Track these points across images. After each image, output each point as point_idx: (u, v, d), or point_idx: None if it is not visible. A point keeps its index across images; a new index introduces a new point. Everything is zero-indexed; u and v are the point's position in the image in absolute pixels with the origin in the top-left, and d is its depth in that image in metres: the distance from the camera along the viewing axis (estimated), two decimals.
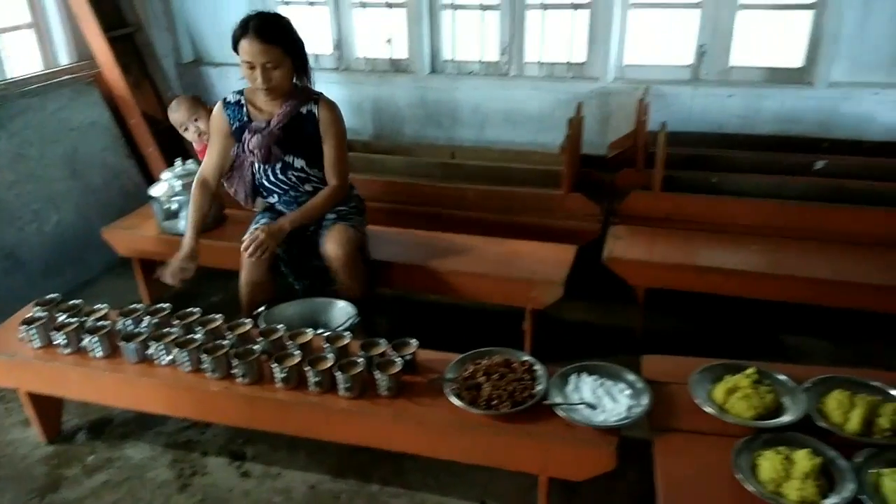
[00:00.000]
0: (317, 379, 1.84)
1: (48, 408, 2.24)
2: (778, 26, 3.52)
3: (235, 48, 2.25)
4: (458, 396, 1.79)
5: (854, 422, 1.62)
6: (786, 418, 1.66)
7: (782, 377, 1.80)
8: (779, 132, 3.43)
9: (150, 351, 1.97)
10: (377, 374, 1.82)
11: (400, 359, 1.87)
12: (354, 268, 2.42)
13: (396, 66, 4.06)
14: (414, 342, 1.95)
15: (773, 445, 1.57)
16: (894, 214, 2.71)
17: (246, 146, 2.38)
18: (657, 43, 3.66)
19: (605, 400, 1.77)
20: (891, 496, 1.41)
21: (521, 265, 2.56)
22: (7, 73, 3.44)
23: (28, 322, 2.07)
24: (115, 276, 3.26)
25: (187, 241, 2.40)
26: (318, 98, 2.38)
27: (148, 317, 2.07)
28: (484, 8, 3.77)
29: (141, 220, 2.97)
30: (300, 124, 2.36)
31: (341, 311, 2.36)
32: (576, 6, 3.61)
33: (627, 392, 1.80)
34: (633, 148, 3.22)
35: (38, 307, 2.16)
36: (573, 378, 1.86)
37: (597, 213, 2.93)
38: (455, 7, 3.84)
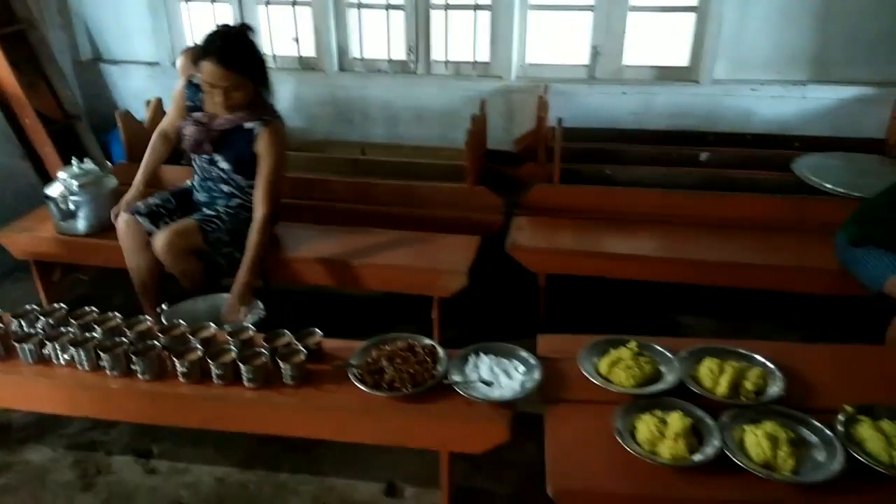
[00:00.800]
0: (220, 371, 1.86)
1: None
2: (665, 28, 3.76)
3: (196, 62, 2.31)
4: (362, 381, 1.85)
5: (722, 386, 1.79)
6: (662, 385, 1.81)
7: (660, 349, 1.95)
8: (668, 127, 3.67)
9: (47, 351, 1.93)
10: (282, 364, 1.86)
11: (304, 348, 1.92)
12: (179, 263, 2.44)
13: (305, 64, 4.08)
14: (318, 332, 2.00)
15: (650, 409, 1.71)
16: (772, 200, 2.96)
17: (184, 129, 2.45)
18: (555, 43, 3.84)
19: (502, 377, 1.88)
20: (752, 449, 1.57)
21: (428, 256, 2.66)
22: None
23: None
24: (11, 282, 3.13)
25: (137, 181, 2.59)
26: (267, 121, 2.40)
27: (43, 318, 2.03)
28: (389, 7, 3.85)
29: (37, 222, 2.87)
30: (239, 136, 2.42)
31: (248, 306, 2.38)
32: (477, 7, 3.74)
33: (522, 369, 1.91)
34: (535, 143, 3.38)
35: None
36: (472, 358, 1.96)
37: (500, 205, 3.06)
38: (361, 6, 3.90)
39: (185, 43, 4.13)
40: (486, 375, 1.89)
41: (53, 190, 2.68)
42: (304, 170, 3.43)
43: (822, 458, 1.55)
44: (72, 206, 2.66)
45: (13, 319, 2.03)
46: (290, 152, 3.59)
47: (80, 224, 2.66)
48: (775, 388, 1.78)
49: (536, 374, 1.86)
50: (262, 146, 2.40)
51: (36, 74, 3.68)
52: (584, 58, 3.79)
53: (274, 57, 4.08)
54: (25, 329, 2.00)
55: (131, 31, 4.13)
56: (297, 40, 4.03)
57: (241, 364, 1.85)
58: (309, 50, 4.04)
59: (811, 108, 3.57)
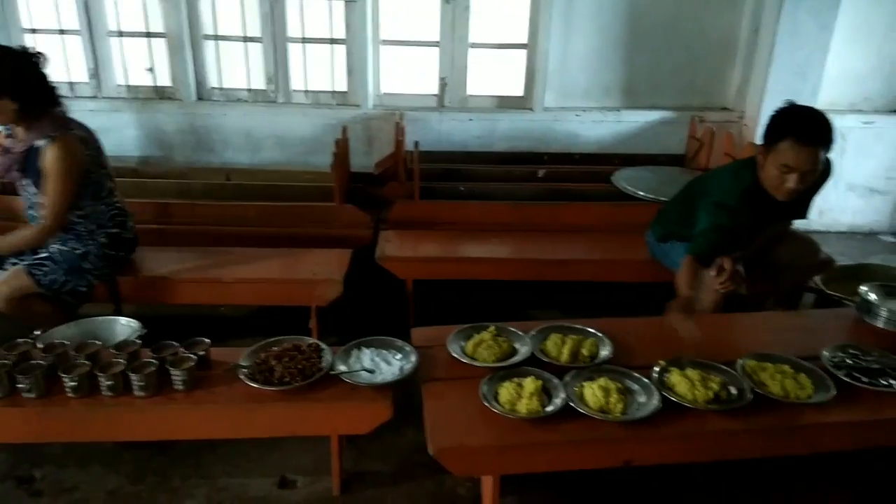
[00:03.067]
0: (110, 382, 1.92)
1: None
2: (503, 62, 4.25)
3: None
4: (253, 379, 2.00)
5: (565, 354, 2.14)
6: (517, 358, 2.14)
7: (515, 330, 2.29)
8: (509, 149, 4.14)
9: None
10: (172, 371, 1.96)
11: (193, 354, 2.03)
12: (15, 310, 2.45)
13: (161, 94, 4.10)
14: (205, 340, 2.12)
15: (509, 378, 2.02)
16: (597, 207, 3.47)
17: None
18: (408, 75, 4.20)
19: (382, 365, 2.11)
20: (590, 399, 1.92)
21: (304, 269, 2.85)
22: None
23: None
24: None
25: None
26: (53, 136, 2.39)
27: None
28: (246, 39, 4.00)
29: None
30: (34, 156, 2.42)
31: (124, 326, 2.42)
32: (333, 41, 4.01)
33: (399, 357, 2.16)
34: (395, 165, 3.68)
35: None
36: (354, 352, 2.17)
37: (367, 221, 3.32)
38: (218, 38, 4.02)
39: None
40: (367, 364, 2.11)
41: None
42: (170, 196, 3.47)
43: (644, 401, 1.94)
44: None
45: None
46: (153, 179, 3.64)
47: None
48: (606, 352, 2.16)
49: (413, 358, 2.11)
50: (47, 162, 2.39)
51: None
52: (433, 88, 4.18)
53: (127, 87, 4.07)
54: None
55: None
56: (151, 70, 4.05)
57: (130, 374, 1.92)
58: (165, 80, 4.07)
59: (625, 130, 4.20)
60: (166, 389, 1.97)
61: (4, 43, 3.85)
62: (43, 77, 2.41)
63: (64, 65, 4.02)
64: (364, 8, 3.88)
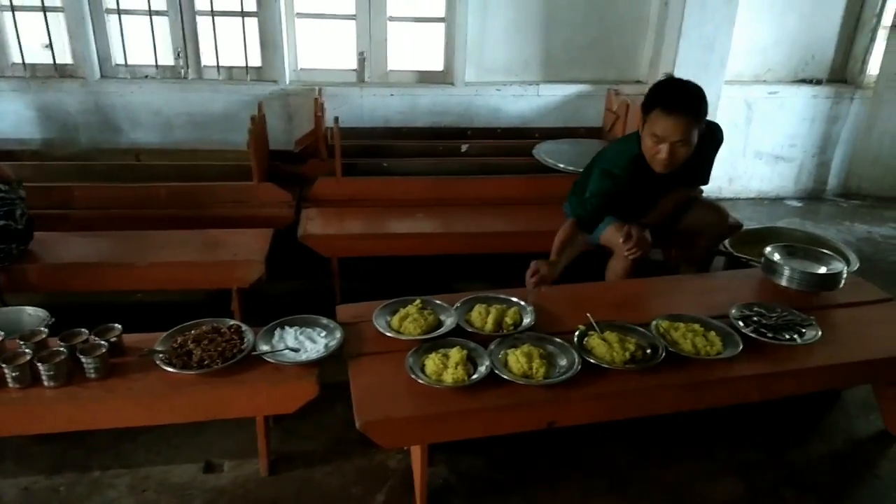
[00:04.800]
0: (15, 374, 1.82)
1: None
2: (423, 36, 4.22)
3: None
4: (170, 364, 1.94)
5: (489, 323, 2.18)
6: (443, 329, 2.16)
7: (440, 303, 2.31)
8: (432, 124, 4.13)
9: None
10: (83, 359, 1.88)
11: (105, 342, 1.95)
12: None
13: (62, 72, 3.86)
14: (117, 326, 2.03)
15: (435, 350, 2.04)
16: (519, 180, 3.52)
17: None
18: (326, 49, 4.11)
19: (307, 343, 2.08)
20: (514, 365, 1.96)
21: (224, 250, 2.76)
22: None
23: None
24: None
25: None
26: None
27: None
28: (152, 13, 3.80)
29: None
30: None
31: (33, 316, 2.29)
32: (244, 14, 3.86)
33: (324, 334, 2.14)
34: (315, 142, 3.61)
35: None
36: (277, 331, 2.14)
37: (289, 199, 3.25)
38: (121, 12, 3.80)
39: None
40: (291, 343, 2.08)
41: None
42: (73, 179, 3.28)
43: (565, 364, 2.00)
44: None
45: None
46: (53, 162, 3.43)
47: None
48: (528, 320, 2.22)
49: (338, 335, 2.10)
50: None
51: None
52: (352, 63, 4.10)
53: (23, 65, 3.80)
54: None
55: None
56: (50, 47, 3.79)
57: (38, 363, 1.83)
58: (65, 57, 3.82)
59: (544, 104, 4.26)
60: (78, 378, 1.89)
61: None
62: None
63: None
64: None
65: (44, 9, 3.70)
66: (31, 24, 3.77)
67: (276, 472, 2.10)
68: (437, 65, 4.23)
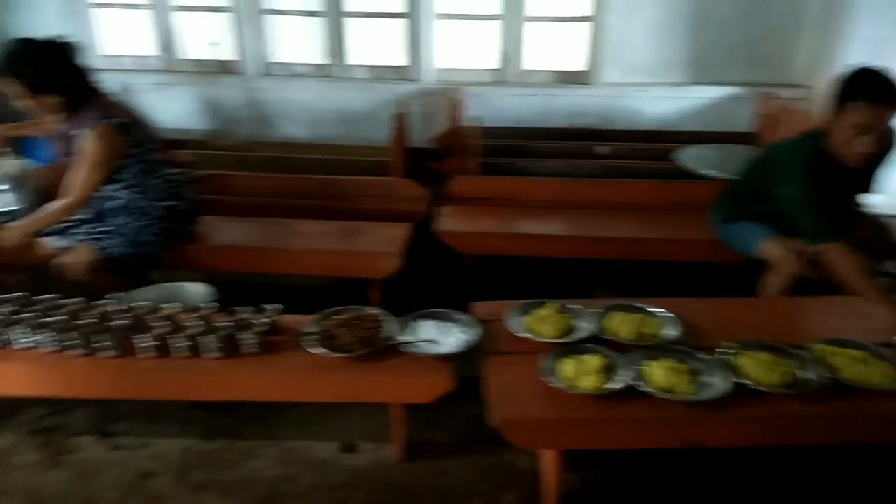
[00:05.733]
0: (184, 344, 2.00)
1: None
2: (563, 36, 4.17)
3: None
4: (318, 346, 2.05)
5: (628, 332, 2.12)
6: (580, 334, 2.13)
7: (576, 307, 2.27)
8: (569, 125, 4.07)
9: (10, 335, 1.99)
10: (243, 335, 2.02)
11: (264, 320, 2.09)
12: (88, 280, 2.55)
13: (225, 68, 4.18)
14: (274, 306, 2.18)
15: (571, 355, 2.02)
16: (659, 185, 3.39)
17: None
18: (468, 49, 4.17)
19: (443, 337, 2.13)
20: (654, 379, 1.90)
21: (364, 241, 2.89)
22: None
23: None
24: None
25: None
26: (91, 126, 2.45)
27: (3, 304, 2.08)
28: (307, 14, 4.03)
29: None
30: (73, 143, 2.51)
31: (198, 293, 2.51)
32: (393, 15, 4.00)
33: (460, 329, 2.17)
34: (453, 140, 3.67)
35: None
36: (415, 323, 2.19)
37: (426, 195, 3.33)
38: (279, 12, 4.06)
39: (99, 51, 4.12)
40: (429, 336, 2.14)
41: None
42: (231, 168, 3.55)
43: (710, 382, 1.91)
44: None
45: None
46: (214, 151, 3.73)
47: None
48: (672, 332, 2.13)
49: (475, 331, 2.12)
50: (82, 148, 2.47)
51: None
52: (492, 63, 4.13)
53: (193, 61, 4.16)
54: None
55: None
56: (215, 45, 4.13)
57: (205, 336, 1.99)
58: (228, 55, 4.14)
59: (688, 106, 4.08)
60: (237, 353, 2.04)
61: (72, 16, 4.02)
62: (79, 67, 2.47)
63: (132, 39, 4.14)
64: None
65: (212, 9, 4.03)
66: (201, 23, 4.12)
67: (409, 458, 2.16)
68: (576, 64, 4.16)
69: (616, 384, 1.88)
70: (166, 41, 4.11)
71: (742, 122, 3.96)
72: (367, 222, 3.05)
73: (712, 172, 3.36)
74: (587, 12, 4.00)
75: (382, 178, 3.38)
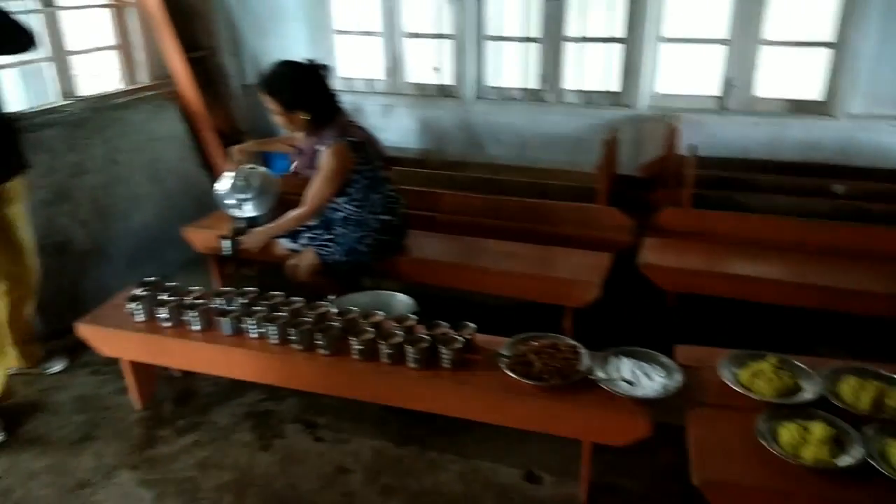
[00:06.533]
0: (389, 351, 2.11)
1: (144, 377, 2.54)
2: (799, 61, 3.79)
3: None
4: (512, 370, 2.05)
5: (865, 402, 1.84)
6: (805, 396, 1.89)
7: (800, 365, 2.03)
8: (801, 159, 3.68)
9: (243, 325, 2.26)
10: (442, 349, 2.09)
11: (461, 337, 2.14)
12: (310, 282, 2.80)
13: (443, 92, 4.40)
14: (472, 325, 2.22)
15: (792, 418, 1.80)
16: None
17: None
18: (687, 74, 3.95)
19: (642, 378, 2.02)
20: None
21: (563, 267, 2.84)
22: (97, 88, 3.86)
23: (133, 299, 2.37)
24: (188, 272, 3.56)
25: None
26: (330, 143, 2.70)
27: (238, 297, 2.37)
28: (526, 40, 4.11)
29: (217, 221, 3.28)
30: (315, 158, 2.75)
31: (402, 302, 2.64)
32: (611, 40, 3.93)
33: (662, 373, 2.04)
34: (665, 169, 3.50)
35: (140, 287, 2.46)
36: (613, 359, 2.11)
37: (630, 225, 3.20)
38: (499, 39, 4.18)
39: (338, 73, 4.56)
40: (627, 375, 2.03)
41: (222, 185, 3.09)
42: (441, 186, 3.71)
43: None
44: (242, 203, 3.05)
45: (214, 297, 2.38)
46: (427, 170, 3.92)
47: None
48: None
49: (678, 378, 1.98)
50: (320, 163, 2.71)
51: (213, 95, 4.21)
52: (714, 89, 3.88)
53: (415, 85, 4.45)
54: (225, 306, 2.34)
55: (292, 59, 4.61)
56: (437, 70, 4.37)
57: (407, 346, 2.09)
58: (448, 79, 4.36)
59: None
60: (435, 366, 2.11)
61: (318, 42, 4.49)
62: (328, 89, 2.73)
63: (365, 63, 4.53)
64: (646, 4, 3.74)
65: (438, 36, 4.27)
66: (425, 49, 4.39)
67: (594, 500, 2.07)
68: (813, 93, 3.75)
69: (847, 460, 1.64)
70: (393, 65, 4.44)
71: None
72: (568, 248, 3.01)
73: None
74: (829, 37, 3.59)
75: (587, 204, 3.32)
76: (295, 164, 2.93)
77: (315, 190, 2.74)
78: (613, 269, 2.90)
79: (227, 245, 2.89)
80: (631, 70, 3.92)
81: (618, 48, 3.94)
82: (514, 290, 2.91)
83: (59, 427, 2.49)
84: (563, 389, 1.98)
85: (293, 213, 2.82)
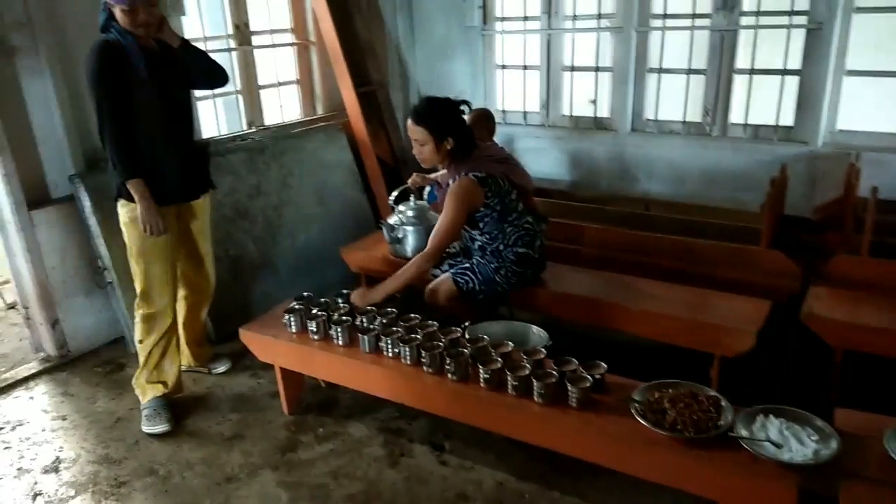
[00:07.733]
0: (515, 383, 2.11)
1: (293, 384, 2.76)
2: None
3: None
4: (644, 417, 1.95)
5: None
6: None
7: None
8: None
9: (381, 344, 2.37)
10: (569, 387, 2.04)
11: (590, 376, 2.08)
12: (446, 307, 2.82)
13: (598, 124, 4.35)
14: (603, 364, 2.15)
15: None
16: None
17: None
18: (871, 109, 3.57)
19: (792, 441, 1.83)
20: None
21: (714, 312, 2.65)
22: (281, 118, 4.33)
23: (289, 311, 2.59)
24: (344, 289, 3.80)
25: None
26: (456, 178, 2.74)
27: (379, 317, 2.50)
28: (690, 72, 3.94)
29: (371, 244, 3.50)
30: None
31: (536, 335, 2.63)
32: (785, 72, 3.65)
33: (815, 438, 1.84)
34: (840, 211, 3.17)
35: (296, 300, 2.68)
36: (760, 418, 1.93)
37: (796, 271, 2.93)
38: (661, 71, 4.06)
39: (497, 106, 4.69)
40: (774, 437, 1.85)
41: (391, 218, 3.27)
42: (590, 220, 3.65)
43: None
44: (401, 234, 3.21)
45: (358, 315, 2.53)
46: (577, 203, 3.88)
47: (408, 249, 3.20)
48: None
49: (833, 444, 1.77)
50: (446, 196, 2.72)
51: (378, 126, 4.51)
52: None
53: (570, 117, 4.44)
54: (366, 324, 2.48)
55: (453, 93, 4.81)
56: (594, 102, 4.33)
57: (534, 380, 2.07)
58: (604, 111, 4.30)
59: None
60: (561, 403, 2.07)
61: (480, 76, 4.65)
62: (466, 124, 2.82)
63: (522, 96, 4.61)
64: (830, 36, 3.44)
65: (596, 69, 4.24)
66: (582, 82, 4.37)
67: None
68: None
69: None
70: (549, 98, 4.47)
71: None
72: (723, 293, 2.80)
73: None
74: None
75: (747, 246, 3.09)
76: (439, 198, 3.04)
77: (436, 229, 2.79)
78: (772, 318, 2.66)
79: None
80: (807, 103, 3.62)
81: (792, 80, 3.66)
82: (657, 333, 2.76)
83: (216, 423, 2.77)
84: (699, 444, 1.85)
85: (413, 262, 2.78)
